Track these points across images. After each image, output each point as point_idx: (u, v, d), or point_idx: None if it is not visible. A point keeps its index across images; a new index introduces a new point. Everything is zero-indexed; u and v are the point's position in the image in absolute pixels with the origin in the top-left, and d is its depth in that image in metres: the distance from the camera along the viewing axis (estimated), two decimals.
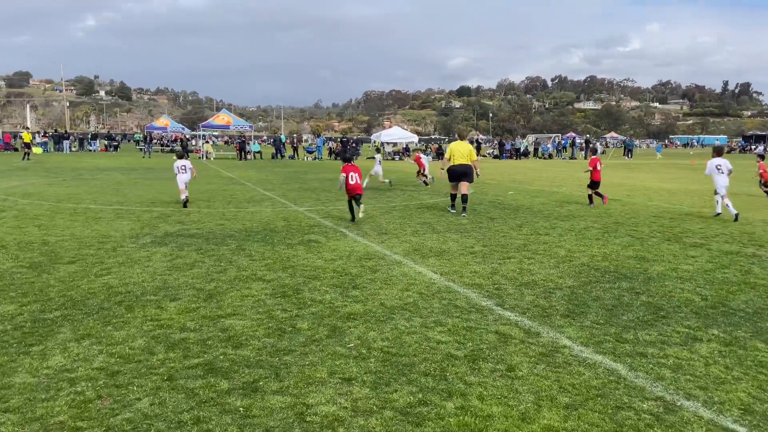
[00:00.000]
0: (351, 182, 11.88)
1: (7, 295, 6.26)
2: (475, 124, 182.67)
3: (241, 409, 3.80)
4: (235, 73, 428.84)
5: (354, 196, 11.91)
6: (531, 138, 67.20)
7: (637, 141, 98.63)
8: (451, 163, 13.35)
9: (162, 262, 7.96)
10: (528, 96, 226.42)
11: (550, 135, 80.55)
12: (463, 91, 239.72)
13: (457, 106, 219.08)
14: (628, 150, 54.47)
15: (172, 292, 6.46)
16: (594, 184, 15.32)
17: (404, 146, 48.84)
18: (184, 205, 13.79)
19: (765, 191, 17.36)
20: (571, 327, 5.50)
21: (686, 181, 23.85)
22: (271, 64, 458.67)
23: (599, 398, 4.03)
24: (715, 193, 13.18)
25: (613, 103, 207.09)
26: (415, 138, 49.19)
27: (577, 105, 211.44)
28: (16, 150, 41.67)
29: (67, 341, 4.94)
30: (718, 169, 13.03)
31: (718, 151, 13.62)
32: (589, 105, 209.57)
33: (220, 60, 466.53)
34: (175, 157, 15.11)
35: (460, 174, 13.21)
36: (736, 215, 12.42)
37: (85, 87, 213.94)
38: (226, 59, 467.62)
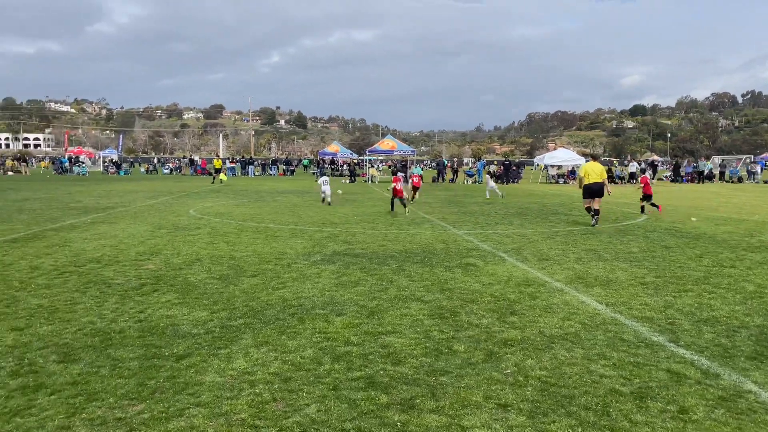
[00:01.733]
0: (397, 187, 17.96)
1: (201, 303, 7.13)
2: (651, 145, 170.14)
3: (398, 423, 3.95)
4: (400, 100, 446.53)
5: (397, 197, 18.01)
6: (717, 159, 60.75)
7: None
8: (586, 182, 15.41)
9: (330, 279, 8.52)
10: (713, 114, 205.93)
11: (740, 156, 72.15)
12: (637, 110, 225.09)
13: (630, 125, 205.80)
14: None
15: (338, 308, 6.89)
16: (646, 197, 18.34)
17: (570, 169, 46.95)
18: (328, 204, 20.51)
19: None
20: (758, 371, 4.93)
21: None
22: (434, 90, 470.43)
23: None
24: None
25: None
26: (582, 160, 46.95)
27: None
28: (210, 174, 47.20)
29: (249, 347, 5.50)
30: None
31: None
32: None
33: (386, 87, 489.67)
34: (324, 177, 22.33)
35: (594, 191, 15.34)
36: None
37: (268, 117, 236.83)
38: (392, 86, 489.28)
